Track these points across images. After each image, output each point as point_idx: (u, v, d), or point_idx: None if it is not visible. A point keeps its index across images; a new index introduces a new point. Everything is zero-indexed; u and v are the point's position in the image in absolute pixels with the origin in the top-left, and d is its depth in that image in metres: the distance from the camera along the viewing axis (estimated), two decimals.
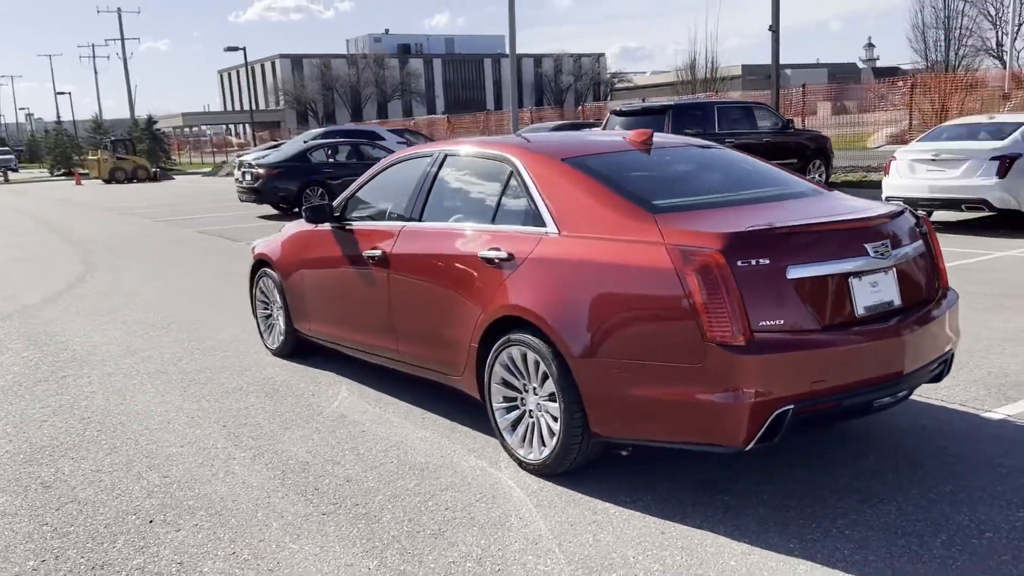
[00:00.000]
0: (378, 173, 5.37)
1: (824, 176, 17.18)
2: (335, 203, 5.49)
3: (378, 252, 4.87)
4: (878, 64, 43.32)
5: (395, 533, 3.45)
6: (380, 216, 5.23)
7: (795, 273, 3.33)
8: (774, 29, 20.67)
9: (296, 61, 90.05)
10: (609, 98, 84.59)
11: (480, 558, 3.23)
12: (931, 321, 3.69)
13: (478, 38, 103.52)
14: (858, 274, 3.49)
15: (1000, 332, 6.01)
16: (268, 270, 6.23)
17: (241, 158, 20.71)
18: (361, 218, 5.32)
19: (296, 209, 17.09)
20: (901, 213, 3.86)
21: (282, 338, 6.17)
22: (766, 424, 3.23)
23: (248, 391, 5.47)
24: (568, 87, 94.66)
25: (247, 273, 6.69)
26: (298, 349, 6.14)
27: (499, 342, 4.02)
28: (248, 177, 17.65)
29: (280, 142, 30.15)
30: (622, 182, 3.96)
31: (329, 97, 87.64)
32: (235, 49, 45.91)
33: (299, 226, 6.00)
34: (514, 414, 4.09)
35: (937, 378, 3.93)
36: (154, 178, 39.79)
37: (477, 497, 3.75)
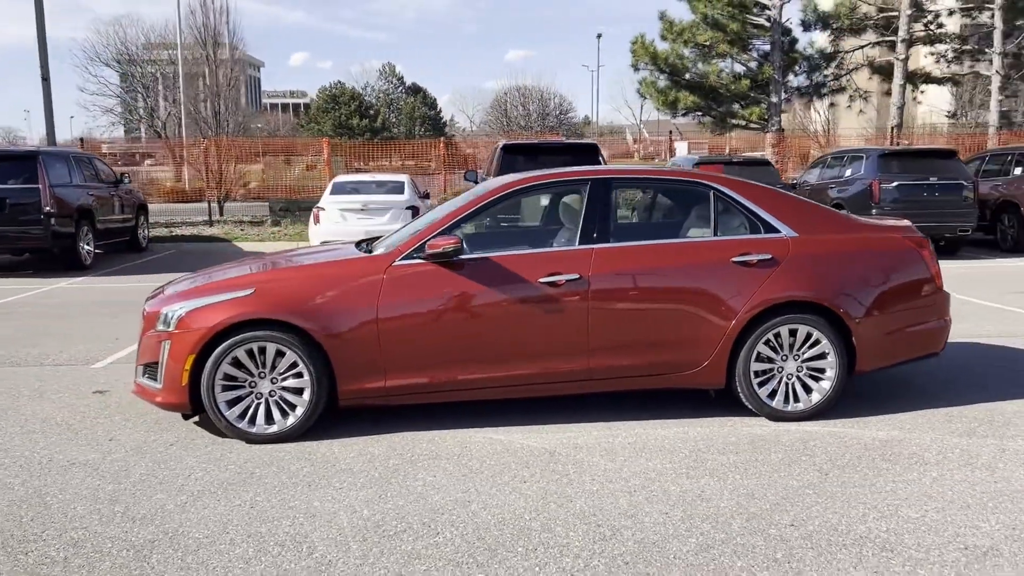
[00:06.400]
0: (489, 206, 5.27)
1: (146, 231, 16.98)
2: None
3: (569, 276, 4.96)
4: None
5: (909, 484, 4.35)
6: (521, 243, 5.22)
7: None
8: (45, 78, 19.05)
9: None
10: None
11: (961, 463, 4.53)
12: None
13: None
14: None
15: None
16: (271, 333, 4.78)
17: None
18: (489, 248, 5.16)
19: None
20: None
21: (304, 412, 4.87)
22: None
23: (368, 482, 4.41)
24: None
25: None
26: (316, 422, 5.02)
27: (764, 326, 5.06)
28: None
29: None
30: (798, 195, 5.54)
31: None
32: None
33: (346, 268, 5.11)
34: (770, 385, 5.16)
35: None
36: None
37: (840, 449, 4.69)
